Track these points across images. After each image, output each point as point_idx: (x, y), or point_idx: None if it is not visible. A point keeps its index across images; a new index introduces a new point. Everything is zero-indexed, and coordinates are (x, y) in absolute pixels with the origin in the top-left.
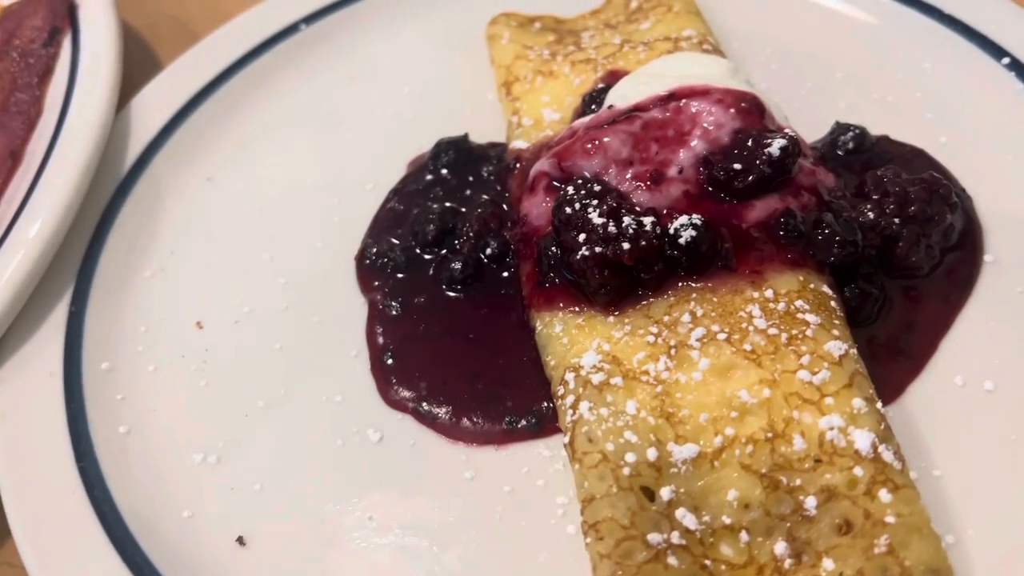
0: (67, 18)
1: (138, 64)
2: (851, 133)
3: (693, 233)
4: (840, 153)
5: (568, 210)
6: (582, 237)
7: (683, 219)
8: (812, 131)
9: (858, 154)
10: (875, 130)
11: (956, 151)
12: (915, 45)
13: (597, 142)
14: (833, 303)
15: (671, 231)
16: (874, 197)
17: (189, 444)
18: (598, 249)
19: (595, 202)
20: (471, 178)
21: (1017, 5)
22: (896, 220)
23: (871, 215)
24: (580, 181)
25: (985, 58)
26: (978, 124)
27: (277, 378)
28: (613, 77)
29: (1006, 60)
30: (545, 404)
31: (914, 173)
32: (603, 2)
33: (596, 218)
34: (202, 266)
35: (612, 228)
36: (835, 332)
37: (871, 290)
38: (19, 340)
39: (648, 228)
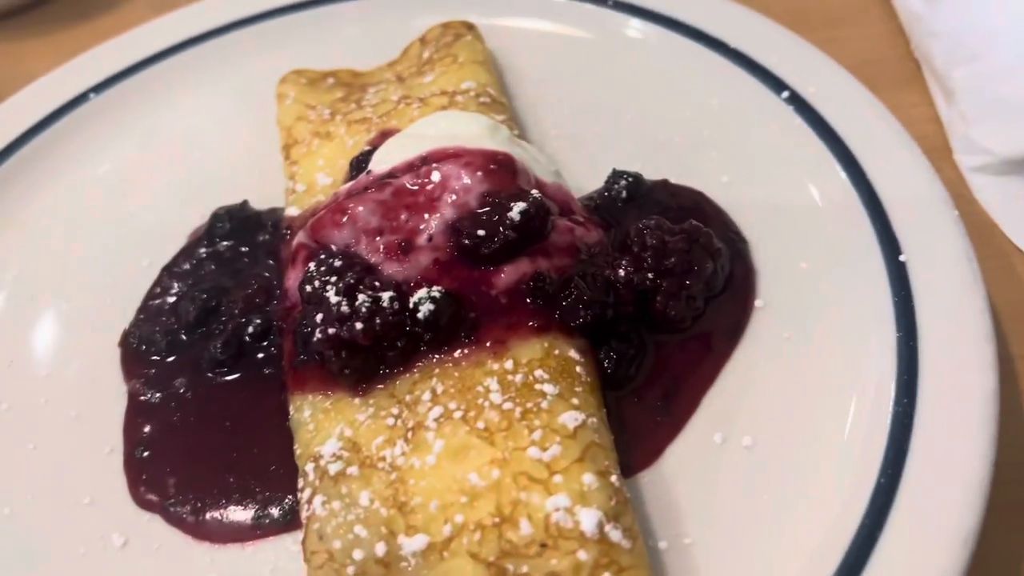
0: None
1: None
2: (624, 181)
3: (432, 307)
4: (617, 203)
5: (308, 288)
6: (319, 317)
7: (422, 292)
8: (597, 179)
9: (632, 201)
10: (657, 173)
11: (737, 190)
12: (704, 82)
13: (348, 211)
14: (579, 368)
15: (411, 304)
16: (634, 250)
17: None
18: (331, 330)
19: (334, 279)
20: (246, 248)
21: (799, 36)
22: (650, 274)
23: (621, 273)
24: (322, 256)
25: (766, 92)
26: (759, 161)
27: (27, 481)
28: (383, 138)
29: (785, 94)
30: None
31: (693, 217)
32: (400, 52)
33: (332, 296)
34: None
35: (345, 307)
36: (575, 401)
37: (626, 350)
38: None
39: (385, 304)
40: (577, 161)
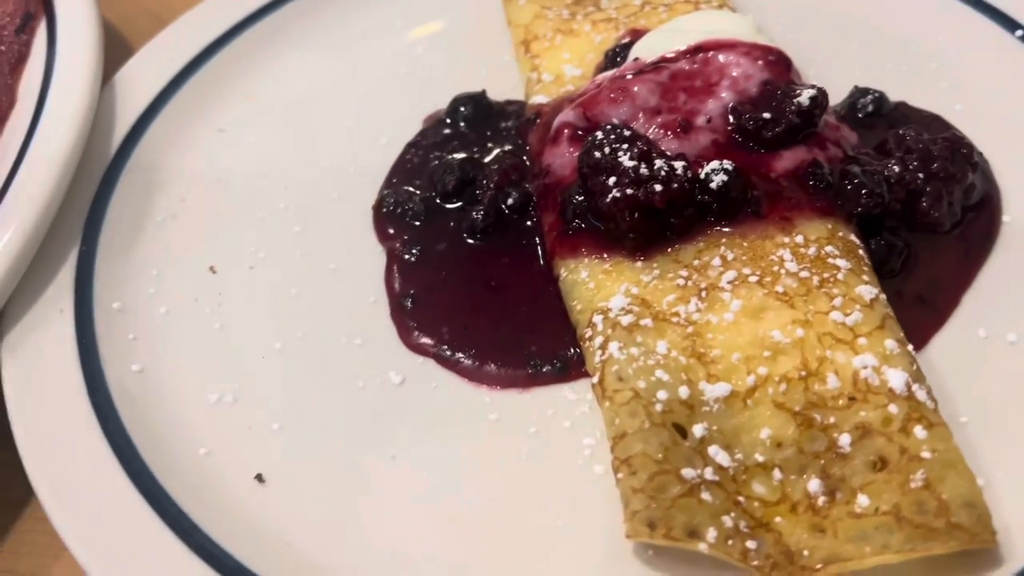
0: (41, 4)
1: (115, 61)
2: (871, 96)
3: (724, 178)
4: (860, 116)
5: (597, 154)
6: (612, 180)
7: (714, 164)
8: (831, 95)
9: (877, 117)
10: (893, 97)
11: (971, 117)
12: (930, 17)
13: (625, 90)
14: (861, 251)
15: (702, 176)
16: (897, 154)
17: (204, 384)
18: (629, 191)
19: (625, 146)
20: (489, 132)
21: None
22: (920, 175)
23: (896, 169)
24: (608, 127)
25: (998, 30)
26: (992, 93)
27: (294, 322)
28: (636, 35)
29: (1019, 32)
30: (571, 350)
31: (934, 135)
32: None
33: (627, 161)
34: (214, 213)
35: (644, 170)
36: (865, 277)
37: (896, 242)
38: (29, 277)
39: (679, 171)
40: (814, 76)
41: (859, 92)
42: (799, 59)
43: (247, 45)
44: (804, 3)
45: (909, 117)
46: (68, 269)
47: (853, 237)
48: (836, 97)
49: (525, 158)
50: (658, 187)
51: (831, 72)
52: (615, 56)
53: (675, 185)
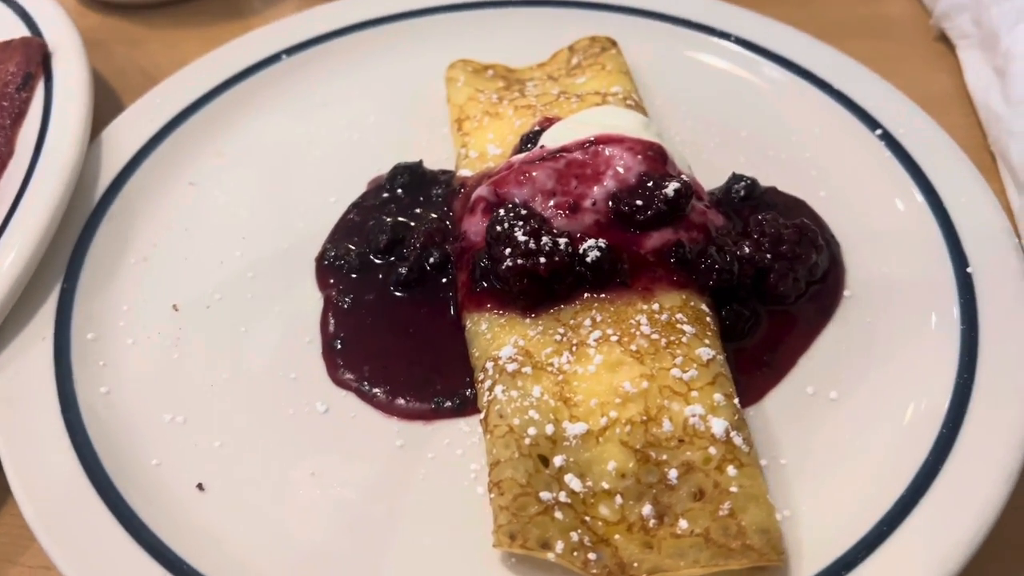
0: (40, 65)
1: (106, 111)
2: (743, 183)
3: (598, 253)
4: (734, 199)
5: (498, 228)
6: (508, 251)
7: (591, 242)
8: (713, 180)
9: (748, 201)
10: (766, 182)
11: (831, 204)
12: (810, 113)
13: (528, 174)
14: (708, 319)
15: (581, 251)
16: (754, 236)
17: (160, 406)
18: (520, 261)
19: (520, 223)
20: (422, 198)
21: (891, 85)
22: (768, 256)
23: (747, 250)
24: (510, 206)
25: (862, 128)
26: (851, 182)
27: (240, 356)
28: (548, 122)
29: (879, 131)
30: (468, 390)
31: (790, 220)
32: (549, 56)
33: (520, 236)
34: (180, 257)
35: (532, 245)
36: (706, 341)
37: (743, 311)
38: (18, 307)
39: (562, 247)
40: (698, 164)
41: (734, 178)
42: (691, 147)
43: (220, 107)
44: (702, 100)
45: (776, 202)
46: (51, 302)
47: (704, 307)
48: (717, 181)
49: (448, 223)
50: (543, 259)
51: (717, 158)
52: (528, 140)
53: (557, 258)
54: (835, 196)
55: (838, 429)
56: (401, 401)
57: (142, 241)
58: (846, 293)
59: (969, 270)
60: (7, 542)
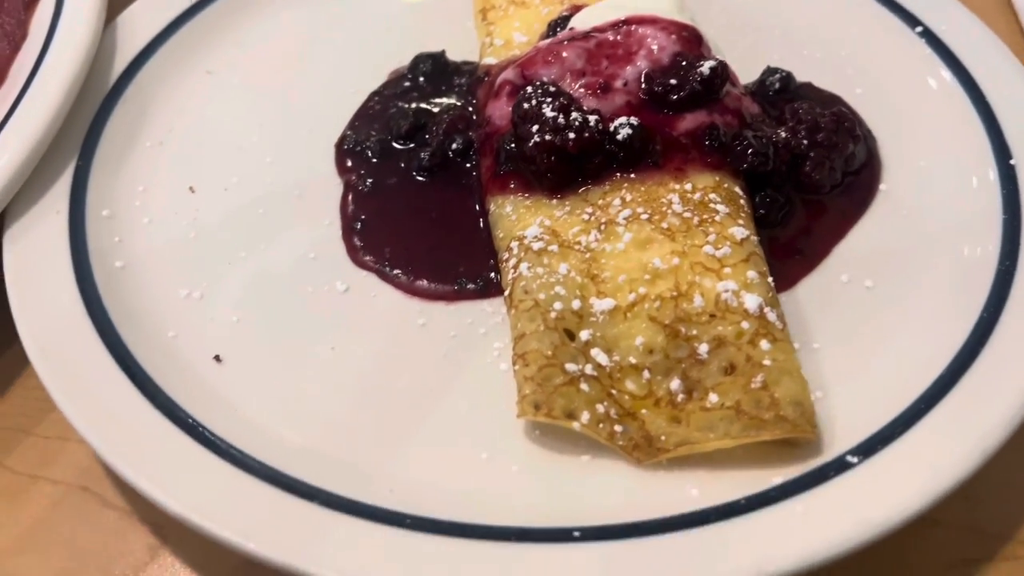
0: None
1: (120, 3)
2: (778, 75)
3: (629, 131)
4: (768, 91)
5: (526, 105)
6: (535, 128)
7: (622, 119)
8: (747, 74)
9: (783, 93)
10: (801, 77)
11: (868, 100)
12: (846, 12)
13: (556, 54)
14: (742, 201)
15: (612, 129)
16: (789, 123)
17: (176, 281)
18: (548, 137)
19: (549, 100)
20: (444, 87)
21: None
22: (805, 142)
23: (783, 135)
24: (537, 83)
25: (901, 26)
26: (889, 80)
27: (258, 236)
28: (576, 9)
29: (919, 28)
30: (492, 274)
31: (826, 110)
32: None
33: (548, 112)
34: (197, 142)
35: (561, 120)
36: (740, 221)
37: (778, 197)
38: (31, 182)
39: (592, 123)
40: (732, 59)
41: (769, 71)
42: (725, 43)
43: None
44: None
45: (811, 96)
46: (66, 178)
47: (737, 189)
48: (752, 75)
49: (472, 111)
50: (572, 135)
51: (750, 55)
52: (556, 27)
53: (587, 134)
54: (872, 93)
55: (874, 316)
56: (423, 282)
57: (157, 126)
58: (882, 187)
59: (1012, 162)
60: (22, 413)
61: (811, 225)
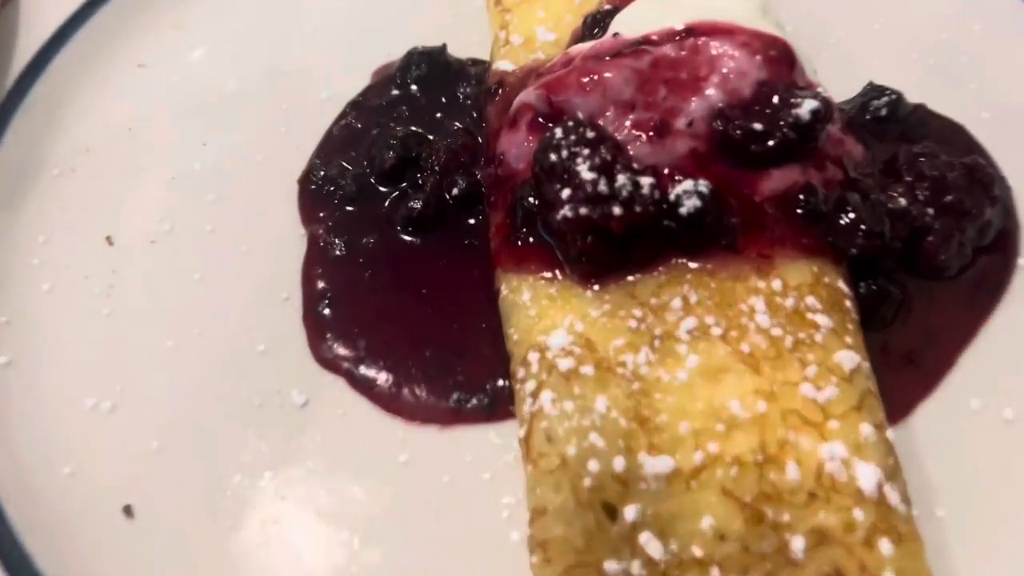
0: None
1: None
2: (885, 98)
3: (698, 203)
4: (870, 119)
5: (553, 157)
6: (566, 193)
7: (687, 184)
8: (841, 89)
9: (890, 123)
10: (911, 96)
11: (999, 132)
12: (967, 5)
13: (596, 77)
14: (848, 303)
15: (671, 197)
16: (906, 178)
17: (82, 385)
18: (583, 211)
19: (586, 151)
20: (444, 99)
21: None
22: (929, 210)
23: (903, 202)
24: (571, 123)
25: None
26: None
27: (192, 315)
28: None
29: None
30: (502, 382)
31: (953, 153)
32: None
33: (585, 172)
34: (121, 169)
35: (603, 187)
36: (848, 340)
37: (890, 289)
38: None
39: (646, 191)
40: (820, 64)
41: (873, 91)
42: (810, 38)
43: None
44: None
45: (927, 125)
46: None
47: (842, 283)
48: (847, 92)
49: (479, 137)
50: (617, 210)
51: (845, 59)
52: (594, 24)
53: (638, 209)
54: (1004, 120)
55: (1016, 464)
56: (408, 394)
57: (70, 144)
58: (1020, 262)
59: None
60: None
61: (930, 323)
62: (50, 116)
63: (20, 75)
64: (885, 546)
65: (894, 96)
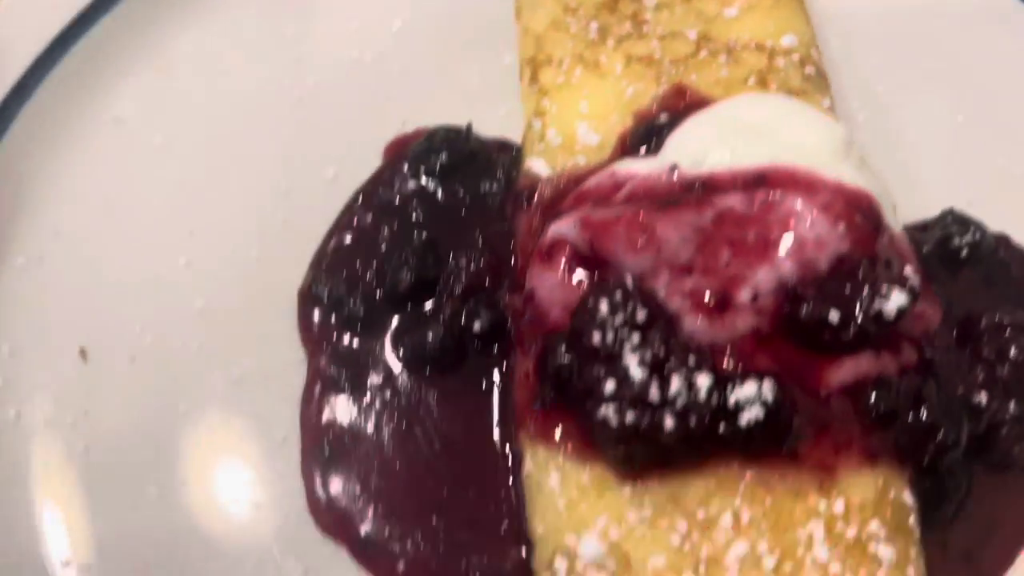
0: None
1: None
2: (968, 237)
3: (761, 413)
4: (949, 259)
5: (597, 336)
6: (610, 386)
7: (750, 389)
8: (908, 205)
9: (970, 264)
10: (994, 220)
11: None
12: None
13: (650, 233)
14: (911, 520)
15: (731, 401)
16: (986, 354)
17: (50, 543)
18: (630, 417)
19: (636, 338)
20: (468, 195)
21: None
22: (1012, 405)
23: (983, 396)
24: (619, 295)
25: None
26: None
27: (176, 458)
28: (680, 97)
29: None
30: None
31: None
32: None
33: (634, 367)
34: (95, 257)
35: (655, 390)
36: (910, 571)
37: (957, 484)
38: None
39: (703, 397)
40: (893, 169)
41: (954, 223)
42: (874, 136)
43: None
44: (900, 40)
45: (1010, 267)
46: None
47: (907, 496)
48: (916, 208)
49: (504, 252)
50: (669, 421)
51: (914, 168)
52: (647, 138)
53: (693, 421)
54: None
55: None
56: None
57: (37, 226)
58: None
59: None
60: None
61: (993, 519)
62: (14, 187)
63: None
64: None
65: (978, 234)
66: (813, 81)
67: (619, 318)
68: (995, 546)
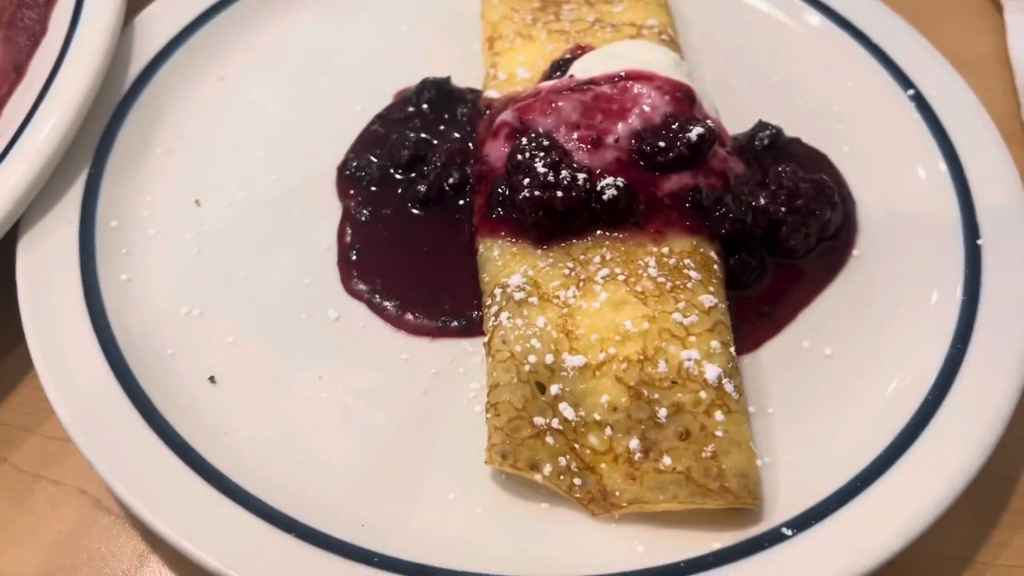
0: None
1: (137, 2)
2: (768, 132)
3: (615, 192)
4: (757, 146)
5: (519, 157)
6: (526, 181)
7: (609, 180)
8: (739, 124)
9: (771, 150)
10: (791, 132)
11: (853, 160)
12: (843, 65)
13: (554, 104)
14: (715, 266)
15: (598, 187)
16: (771, 187)
17: (178, 297)
18: (537, 193)
19: (541, 154)
20: (447, 116)
21: (930, 44)
22: (783, 209)
23: (763, 201)
24: (533, 135)
25: (895, 87)
26: (876, 142)
27: (258, 257)
28: (580, 50)
29: (911, 91)
30: (475, 312)
31: (811, 173)
32: None
33: (540, 167)
34: (206, 152)
35: (551, 177)
36: (711, 289)
37: (751, 261)
38: (46, 191)
39: (580, 182)
40: (726, 106)
41: (760, 126)
42: (721, 88)
43: (255, 2)
44: (737, 40)
45: (798, 153)
46: (78, 187)
47: (712, 254)
48: (743, 125)
49: (471, 144)
50: (560, 193)
51: (745, 102)
52: (557, 68)
53: (574, 193)
54: (858, 153)
55: (828, 385)
56: (410, 316)
57: (169, 133)
58: (855, 252)
59: (979, 242)
60: (27, 412)
61: (781, 288)
62: (156, 111)
63: (135, 79)
64: (719, 415)
65: (774, 131)
66: (667, 43)
67: (532, 145)
68: (783, 307)
